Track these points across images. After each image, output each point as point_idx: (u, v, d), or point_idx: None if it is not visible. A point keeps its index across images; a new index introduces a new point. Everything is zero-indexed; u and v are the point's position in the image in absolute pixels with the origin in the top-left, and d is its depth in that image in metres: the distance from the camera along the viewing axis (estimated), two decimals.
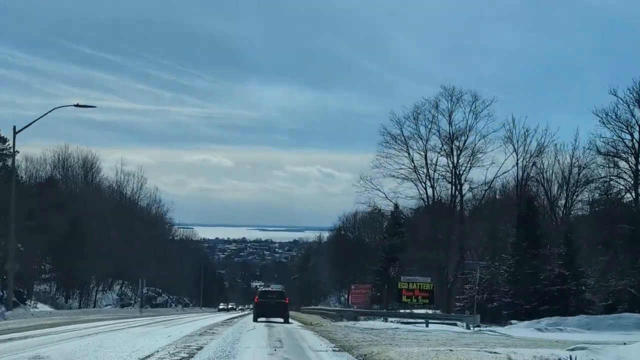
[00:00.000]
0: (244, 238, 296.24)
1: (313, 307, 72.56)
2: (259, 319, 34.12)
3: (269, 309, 34.87)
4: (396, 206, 57.91)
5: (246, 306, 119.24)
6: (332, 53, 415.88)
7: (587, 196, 48.61)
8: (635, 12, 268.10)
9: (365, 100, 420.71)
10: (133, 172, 76.42)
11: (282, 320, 34.04)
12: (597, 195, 47.53)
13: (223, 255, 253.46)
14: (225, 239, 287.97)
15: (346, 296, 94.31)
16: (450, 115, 51.16)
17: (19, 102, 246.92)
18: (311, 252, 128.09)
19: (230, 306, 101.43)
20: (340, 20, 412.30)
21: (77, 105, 34.95)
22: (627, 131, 43.63)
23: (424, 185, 52.35)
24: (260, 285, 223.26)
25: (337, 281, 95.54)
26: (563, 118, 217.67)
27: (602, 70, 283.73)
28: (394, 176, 51.72)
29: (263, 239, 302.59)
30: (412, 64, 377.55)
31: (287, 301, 35.72)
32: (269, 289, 55.86)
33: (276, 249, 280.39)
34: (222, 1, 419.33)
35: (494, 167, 50.44)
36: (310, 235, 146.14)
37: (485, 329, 32.81)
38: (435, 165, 52.08)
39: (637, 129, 43.26)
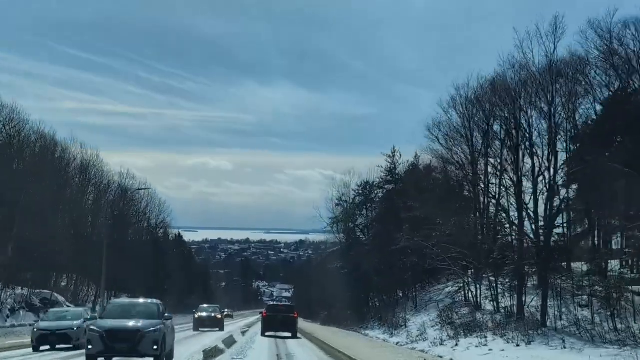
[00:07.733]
0: (247, 238, 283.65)
1: None
2: (267, 333, 34.66)
3: (277, 323, 34.97)
4: None
5: (241, 312, 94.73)
6: (329, 56, 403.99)
7: None
8: None
9: (362, 102, 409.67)
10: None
11: (289, 334, 34.30)
12: None
13: (225, 255, 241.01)
14: (229, 239, 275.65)
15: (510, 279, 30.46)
16: None
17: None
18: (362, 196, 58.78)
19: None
20: (337, 22, 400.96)
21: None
22: None
23: None
24: (263, 286, 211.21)
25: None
26: None
27: None
28: None
29: (268, 240, 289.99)
30: (409, 66, 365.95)
31: (295, 315, 35.90)
32: (278, 303, 57.13)
33: (281, 249, 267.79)
34: (217, 4, 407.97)
35: None
36: (316, 238, 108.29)
37: None
38: None
39: None
